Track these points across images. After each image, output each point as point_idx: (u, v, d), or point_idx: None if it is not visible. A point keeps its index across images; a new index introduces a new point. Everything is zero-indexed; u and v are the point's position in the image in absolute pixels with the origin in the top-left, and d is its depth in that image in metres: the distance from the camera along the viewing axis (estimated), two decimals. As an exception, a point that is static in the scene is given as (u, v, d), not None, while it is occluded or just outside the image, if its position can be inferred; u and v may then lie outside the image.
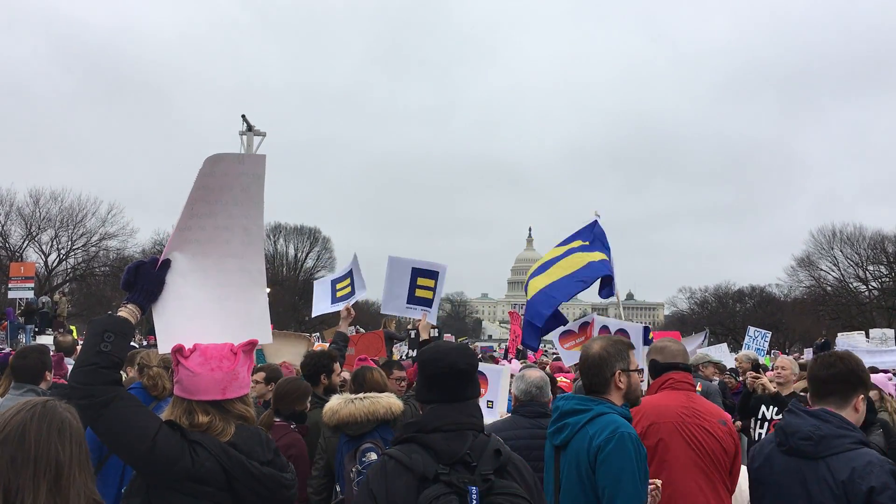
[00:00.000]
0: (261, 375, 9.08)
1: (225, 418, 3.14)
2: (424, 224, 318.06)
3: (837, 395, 3.65)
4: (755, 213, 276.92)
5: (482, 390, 6.96)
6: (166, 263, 3.40)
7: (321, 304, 8.86)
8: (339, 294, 8.70)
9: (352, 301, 8.32)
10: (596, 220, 9.67)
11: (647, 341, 7.49)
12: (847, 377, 3.67)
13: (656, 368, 4.68)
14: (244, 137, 30.78)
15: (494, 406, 7.26)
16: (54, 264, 58.01)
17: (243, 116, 30.62)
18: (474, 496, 2.85)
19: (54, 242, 57.90)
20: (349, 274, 8.82)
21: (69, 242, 58.27)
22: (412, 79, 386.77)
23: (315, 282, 9.50)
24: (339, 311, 8.16)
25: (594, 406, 3.80)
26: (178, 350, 3.15)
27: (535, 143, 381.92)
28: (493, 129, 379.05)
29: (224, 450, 3.03)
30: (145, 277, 3.31)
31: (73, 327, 31.39)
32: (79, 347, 8.98)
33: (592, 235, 9.44)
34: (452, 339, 14.67)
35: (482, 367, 7.40)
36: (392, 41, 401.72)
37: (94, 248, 59.04)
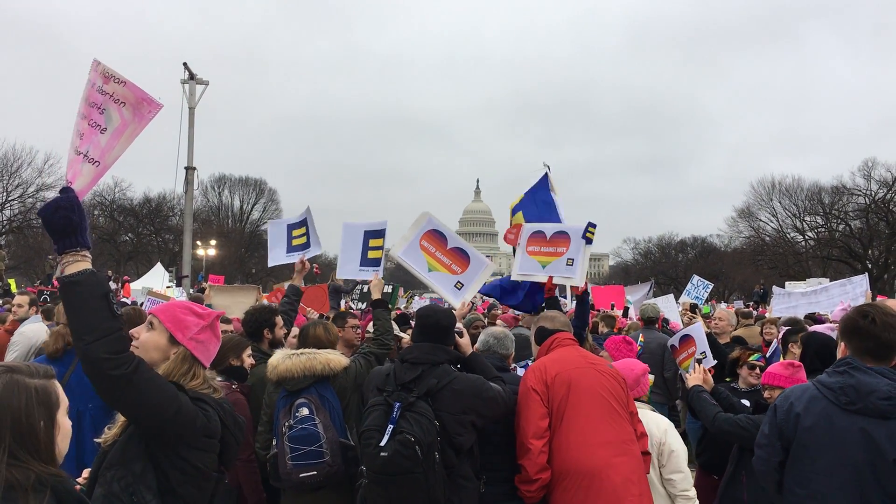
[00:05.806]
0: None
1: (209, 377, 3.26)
2: (353, 176, 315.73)
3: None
4: (673, 166, 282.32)
5: (458, 269, 7.09)
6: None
7: (277, 251, 8.25)
8: (294, 242, 8.14)
9: (308, 254, 7.87)
10: (545, 175, 9.57)
11: (584, 236, 7.14)
12: None
13: (544, 334, 5.00)
14: (186, 86, 29.91)
15: (463, 289, 7.07)
16: (-11, 216, 56.17)
17: (185, 65, 29.66)
18: (396, 409, 4.11)
19: (-12, 193, 55.98)
20: (304, 222, 8.22)
21: (4, 193, 56.23)
22: (316, 31, 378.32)
23: (269, 222, 8.92)
24: (292, 264, 7.74)
25: None
26: (219, 316, 3.28)
27: (448, 96, 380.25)
28: (400, 81, 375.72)
29: (219, 404, 3.14)
30: (84, 214, 2.86)
31: (11, 280, 30.53)
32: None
33: (533, 201, 9.43)
34: (398, 290, 14.44)
35: (467, 248, 7.21)
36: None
37: (31, 200, 56.98)
